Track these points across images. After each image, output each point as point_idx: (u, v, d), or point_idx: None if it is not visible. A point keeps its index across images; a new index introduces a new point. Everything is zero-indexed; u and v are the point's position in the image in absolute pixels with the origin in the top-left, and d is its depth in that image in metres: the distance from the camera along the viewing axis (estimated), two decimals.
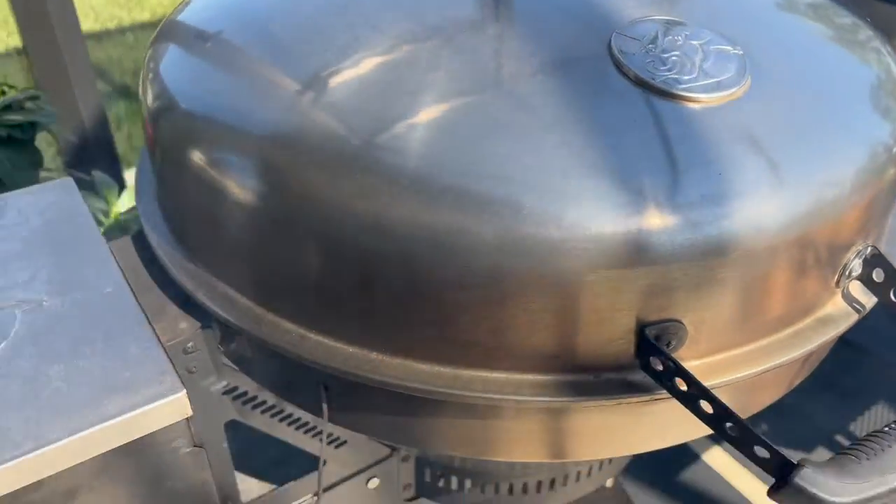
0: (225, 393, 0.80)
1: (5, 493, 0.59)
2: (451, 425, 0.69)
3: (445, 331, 0.62)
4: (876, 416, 2.33)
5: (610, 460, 1.07)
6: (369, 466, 1.00)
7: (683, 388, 0.59)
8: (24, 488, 0.60)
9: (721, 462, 2.28)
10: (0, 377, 0.65)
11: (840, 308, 0.70)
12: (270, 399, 0.84)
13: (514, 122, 0.61)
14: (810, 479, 0.53)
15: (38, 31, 1.85)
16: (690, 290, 0.60)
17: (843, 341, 0.75)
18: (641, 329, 0.61)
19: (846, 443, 2.30)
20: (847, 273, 0.68)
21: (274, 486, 0.97)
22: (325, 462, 0.88)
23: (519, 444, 0.69)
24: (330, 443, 0.95)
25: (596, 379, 0.63)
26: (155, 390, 0.64)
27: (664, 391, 0.62)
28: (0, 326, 0.70)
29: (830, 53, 0.75)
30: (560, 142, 0.60)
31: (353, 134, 0.62)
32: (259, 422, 0.86)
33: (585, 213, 0.57)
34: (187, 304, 0.76)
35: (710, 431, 0.70)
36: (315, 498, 0.96)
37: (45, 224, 0.82)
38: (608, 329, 0.61)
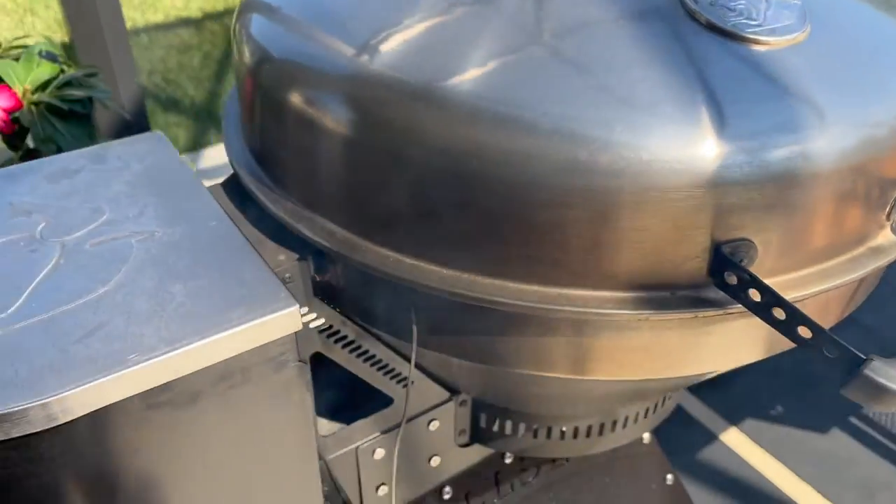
0: (313, 325, 0.86)
1: (140, 391, 0.65)
2: (536, 344, 0.75)
3: (536, 250, 0.69)
4: None
5: (653, 409, 1.13)
6: (431, 408, 1.06)
7: (756, 298, 0.65)
8: (155, 388, 0.66)
9: (736, 440, 2.34)
10: (127, 294, 0.71)
11: (890, 240, 0.76)
12: (351, 334, 0.90)
13: (601, 60, 0.68)
14: (879, 370, 0.59)
15: (86, 28, 1.93)
16: (762, 211, 0.66)
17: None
18: (717, 247, 0.67)
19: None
20: None
21: (342, 425, 1.03)
22: (412, 382, 0.93)
23: (598, 362, 0.75)
24: (398, 382, 1.01)
25: (672, 295, 0.70)
26: (271, 304, 0.70)
27: (737, 305, 0.68)
28: (120, 252, 0.76)
29: (877, 12, 0.82)
30: (646, 75, 0.66)
31: (445, 69, 0.68)
32: (339, 356, 0.91)
33: (672, 137, 0.64)
34: (282, 239, 0.82)
35: (771, 351, 0.76)
36: (380, 435, 1.02)
37: (145, 169, 0.88)
38: (686, 247, 0.67)
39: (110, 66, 1.96)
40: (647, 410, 1.12)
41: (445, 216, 0.70)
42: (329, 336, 0.89)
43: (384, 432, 1.03)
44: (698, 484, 2.22)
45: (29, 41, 1.58)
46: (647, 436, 1.37)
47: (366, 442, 1.02)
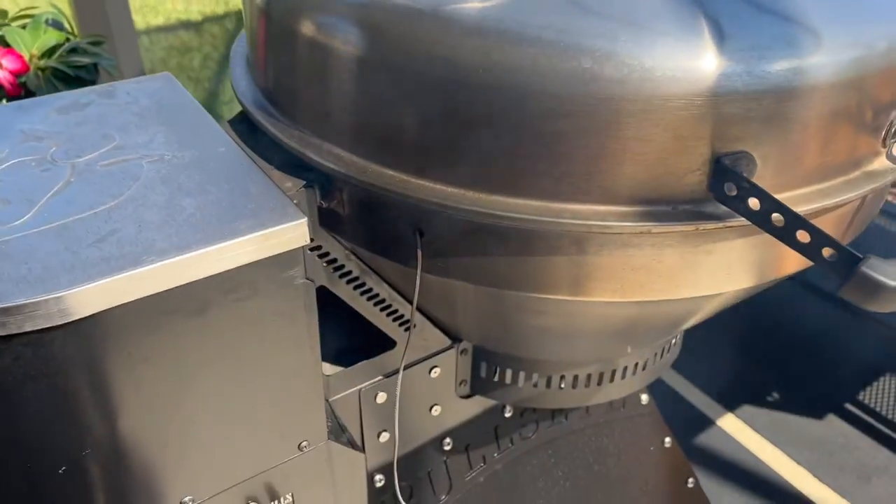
0: (319, 256, 0.87)
1: (152, 292, 0.66)
2: (539, 264, 0.76)
3: (540, 163, 0.70)
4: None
5: (651, 360, 1.14)
6: (433, 355, 1.07)
7: (755, 207, 0.67)
8: (166, 293, 0.67)
9: (733, 426, 2.35)
10: (138, 206, 0.72)
11: (885, 165, 0.78)
12: (356, 270, 0.91)
13: None
14: (876, 267, 0.61)
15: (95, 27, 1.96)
16: (760, 123, 0.68)
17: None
18: (717, 158, 0.69)
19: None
20: (892, 133, 0.77)
21: (342, 368, 1.04)
22: (414, 319, 0.94)
23: (600, 281, 0.77)
24: (401, 325, 1.02)
25: (674, 210, 0.71)
26: (279, 216, 0.71)
27: (737, 218, 0.69)
28: (130, 171, 0.77)
29: None
30: None
31: None
32: (344, 292, 0.92)
33: (673, 47, 0.65)
34: (289, 170, 0.84)
35: (769, 275, 0.78)
36: (383, 379, 1.03)
37: (154, 103, 0.90)
38: (687, 159, 0.69)
39: (112, 37, 1.98)
40: (645, 362, 1.13)
41: (450, 131, 0.72)
42: (334, 270, 0.90)
43: (387, 376, 1.04)
44: (696, 469, 2.23)
45: (36, 11, 1.60)
46: (644, 397, 1.38)
47: (368, 385, 1.02)
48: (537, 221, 0.71)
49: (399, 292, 0.98)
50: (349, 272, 0.92)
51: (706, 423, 2.38)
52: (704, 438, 2.33)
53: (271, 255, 0.71)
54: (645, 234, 0.72)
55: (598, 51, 0.65)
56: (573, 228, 0.71)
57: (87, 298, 0.63)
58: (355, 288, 0.94)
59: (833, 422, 2.37)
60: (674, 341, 1.19)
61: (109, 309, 0.65)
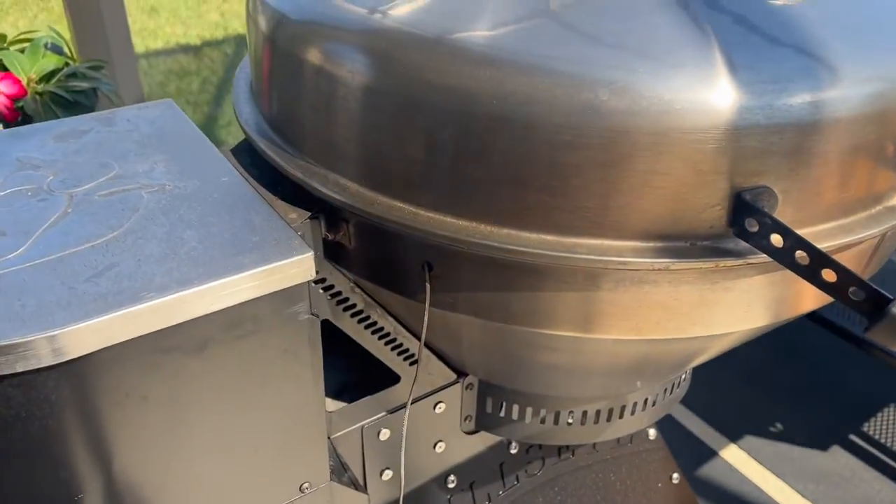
0: (323, 290, 0.85)
1: (150, 331, 0.63)
2: (551, 300, 0.74)
3: (555, 197, 0.68)
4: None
5: (657, 400, 1.12)
6: (438, 390, 1.04)
7: (778, 244, 0.65)
8: (165, 330, 0.64)
9: (736, 457, 2.31)
10: (137, 238, 0.70)
11: None
12: (360, 303, 0.89)
13: (622, 6, 0.68)
14: None
15: (95, 52, 1.95)
16: (782, 157, 0.66)
17: None
18: (738, 193, 0.67)
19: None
20: None
21: (344, 404, 1.00)
22: (422, 351, 0.90)
23: (615, 318, 0.74)
24: (405, 359, 0.99)
25: (692, 246, 0.69)
26: (285, 250, 0.69)
27: (757, 255, 0.67)
28: (130, 202, 0.75)
29: None
30: (665, 21, 0.66)
31: (461, 22, 0.68)
32: (348, 325, 0.90)
33: (693, 78, 0.64)
34: (293, 201, 0.81)
35: (787, 313, 0.76)
36: (386, 415, 0.99)
37: (155, 130, 0.87)
38: (707, 193, 0.67)
39: (111, 61, 1.97)
40: (655, 398, 1.11)
41: (460, 163, 0.69)
42: (339, 304, 0.87)
43: (390, 412, 1.01)
44: (700, 501, 2.18)
45: (35, 35, 1.58)
46: (652, 432, 1.35)
47: (371, 421, 0.99)
48: (551, 256, 0.69)
49: (404, 326, 0.95)
50: (353, 305, 0.89)
51: (709, 454, 2.34)
52: (707, 470, 2.29)
53: (276, 290, 0.69)
54: (663, 271, 0.70)
55: (615, 82, 0.63)
56: (588, 264, 0.69)
57: (83, 337, 0.60)
58: (360, 321, 0.91)
59: (838, 454, 2.33)
60: (683, 377, 1.16)
61: (106, 348, 0.62)
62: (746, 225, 0.66)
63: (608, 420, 1.09)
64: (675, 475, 1.37)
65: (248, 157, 0.88)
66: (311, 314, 0.73)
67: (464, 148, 0.69)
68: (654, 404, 1.12)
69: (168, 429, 0.69)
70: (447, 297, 0.78)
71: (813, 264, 0.63)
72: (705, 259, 0.68)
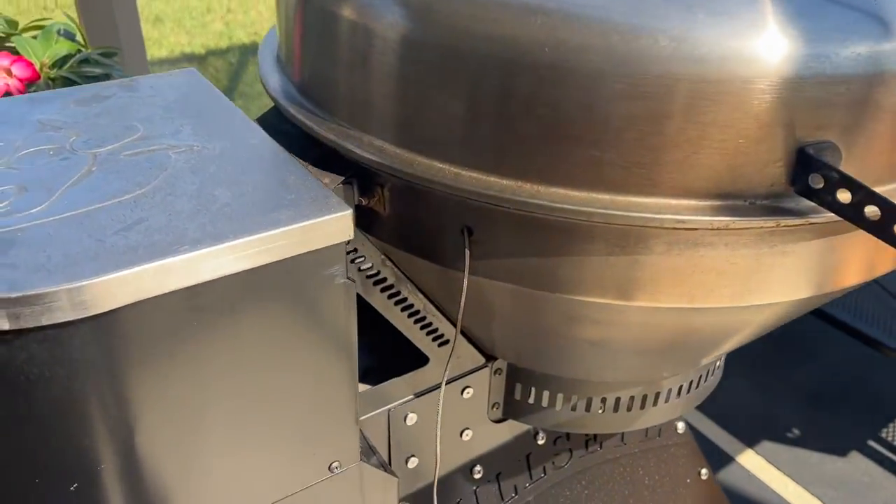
0: (353, 261, 0.81)
1: (183, 286, 0.60)
2: (600, 264, 0.70)
3: (608, 152, 0.64)
4: None
5: (690, 388, 1.08)
6: (466, 374, 1.00)
7: (846, 199, 0.61)
8: (197, 287, 0.60)
9: (754, 464, 2.27)
10: (167, 195, 0.66)
11: None
12: (391, 278, 0.85)
13: None
14: None
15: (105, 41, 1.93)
16: (848, 109, 0.63)
17: None
18: (801, 148, 0.63)
19: None
20: None
21: (369, 386, 0.97)
22: (457, 333, 0.86)
23: (666, 285, 0.70)
24: (434, 339, 0.95)
25: (751, 205, 0.65)
26: (321, 208, 0.65)
27: (820, 214, 0.64)
28: (157, 161, 0.71)
29: None
30: None
31: None
32: (378, 301, 0.86)
33: (758, 23, 0.60)
34: (325, 167, 0.78)
35: (843, 283, 0.72)
36: (413, 398, 0.96)
37: (180, 96, 0.84)
38: (768, 148, 0.63)
39: (121, 51, 1.95)
40: (689, 385, 1.07)
41: (507, 118, 0.66)
42: (368, 277, 0.84)
43: (417, 395, 0.97)
44: None
45: (48, 22, 1.55)
46: (681, 426, 1.30)
47: (398, 404, 0.95)
48: (602, 215, 0.65)
49: (435, 305, 0.91)
50: (384, 279, 0.85)
51: (726, 459, 2.29)
52: (725, 476, 2.24)
53: (312, 249, 0.65)
54: (721, 232, 0.66)
55: (675, 29, 0.60)
56: (642, 223, 0.65)
57: (113, 290, 0.56)
58: (389, 297, 0.87)
59: (857, 459, 2.29)
60: (717, 365, 1.13)
61: (135, 303, 0.58)
62: (811, 181, 0.63)
63: (641, 408, 1.05)
64: (704, 471, 1.32)
65: (274, 126, 0.84)
66: (348, 279, 0.69)
67: (510, 101, 0.65)
68: (687, 392, 1.08)
69: (194, 395, 0.65)
70: (487, 265, 0.75)
71: (886, 220, 0.60)
72: (767, 218, 0.65)
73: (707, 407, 2.44)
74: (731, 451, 2.31)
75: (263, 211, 0.64)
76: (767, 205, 0.66)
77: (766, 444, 2.33)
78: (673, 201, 0.66)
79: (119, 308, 0.57)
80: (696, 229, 0.66)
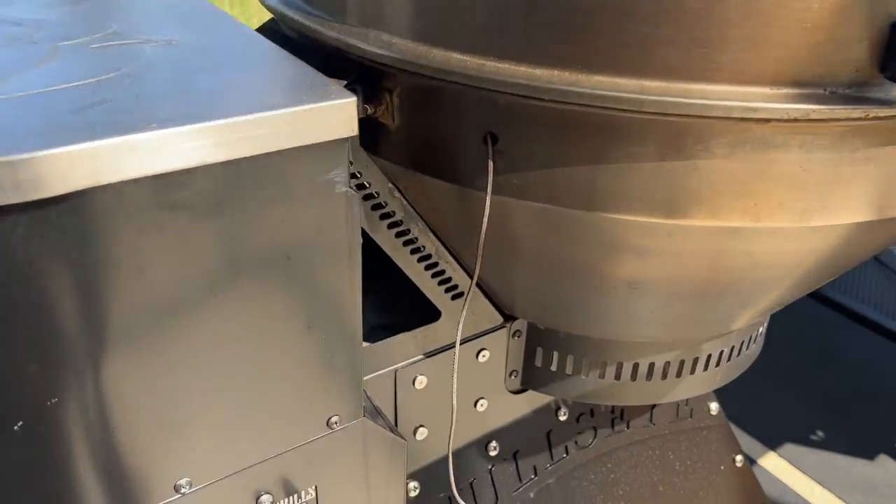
0: (357, 188, 0.71)
1: (149, 173, 0.49)
2: (650, 172, 0.59)
3: (664, 27, 0.54)
4: None
5: (731, 356, 0.97)
6: (481, 334, 0.89)
7: None
8: (171, 176, 0.50)
9: (777, 466, 2.14)
10: (137, 80, 0.55)
11: None
12: (399, 211, 0.74)
13: None
14: None
15: None
16: None
17: None
18: (893, 23, 0.53)
19: None
20: None
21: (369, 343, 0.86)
22: (476, 270, 0.74)
23: (728, 196, 0.60)
24: (447, 291, 0.84)
25: (831, 94, 0.55)
26: (321, 94, 0.55)
27: None
28: (129, 52, 0.61)
29: None
30: None
31: None
32: (384, 239, 0.75)
33: None
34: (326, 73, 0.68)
35: None
36: (423, 358, 0.84)
37: (167, 4, 0.74)
38: (853, 23, 0.53)
39: None
40: (729, 352, 0.96)
41: None
42: (374, 209, 0.73)
43: (428, 355, 0.85)
44: None
45: None
46: (714, 406, 1.19)
47: (406, 364, 0.84)
48: (656, 103, 0.55)
49: (449, 250, 0.81)
50: (391, 213, 0.74)
51: (749, 463, 2.16)
52: None
53: (309, 143, 0.54)
54: (796, 128, 0.56)
55: None
56: (703, 112, 0.55)
57: (62, 168, 0.46)
58: (398, 235, 0.76)
59: (885, 462, 2.16)
60: (760, 330, 1.02)
61: (92, 188, 0.47)
62: None
63: (678, 375, 0.94)
64: (739, 457, 1.21)
65: (273, 35, 0.74)
66: (350, 188, 0.58)
67: None
68: (728, 360, 0.97)
69: (168, 318, 0.54)
70: (512, 180, 0.64)
71: None
72: (854, 106, 0.54)
73: (727, 408, 2.32)
74: (754, 455, 2.19)
75: (252, 94, 0.54)
76: (850, 94, 0.55)
77: (790, 447, 2.21)
78: (739, 88, 0.55)
79: (71, 194, 0.47)
80: (768, 121, 0.55)
